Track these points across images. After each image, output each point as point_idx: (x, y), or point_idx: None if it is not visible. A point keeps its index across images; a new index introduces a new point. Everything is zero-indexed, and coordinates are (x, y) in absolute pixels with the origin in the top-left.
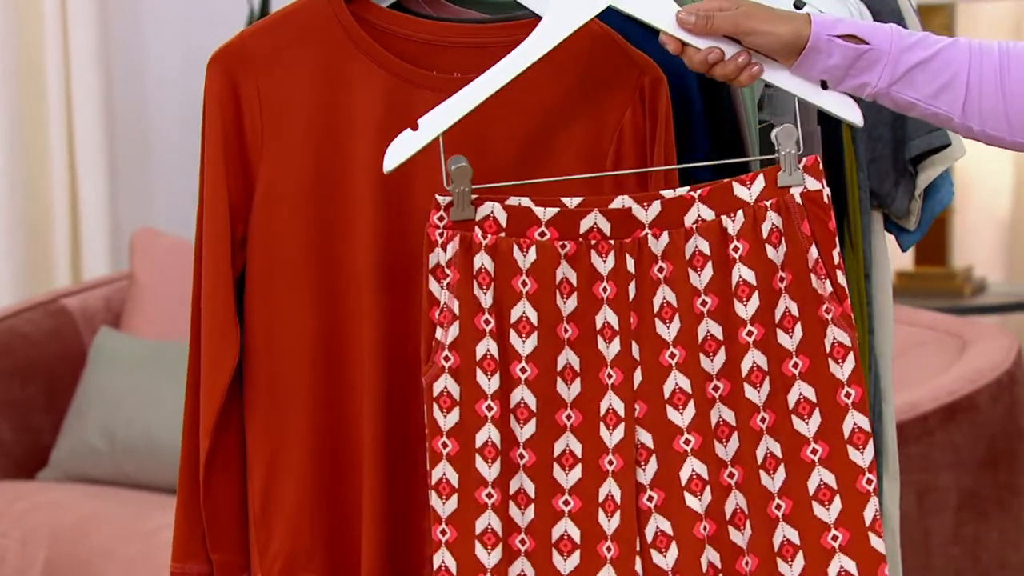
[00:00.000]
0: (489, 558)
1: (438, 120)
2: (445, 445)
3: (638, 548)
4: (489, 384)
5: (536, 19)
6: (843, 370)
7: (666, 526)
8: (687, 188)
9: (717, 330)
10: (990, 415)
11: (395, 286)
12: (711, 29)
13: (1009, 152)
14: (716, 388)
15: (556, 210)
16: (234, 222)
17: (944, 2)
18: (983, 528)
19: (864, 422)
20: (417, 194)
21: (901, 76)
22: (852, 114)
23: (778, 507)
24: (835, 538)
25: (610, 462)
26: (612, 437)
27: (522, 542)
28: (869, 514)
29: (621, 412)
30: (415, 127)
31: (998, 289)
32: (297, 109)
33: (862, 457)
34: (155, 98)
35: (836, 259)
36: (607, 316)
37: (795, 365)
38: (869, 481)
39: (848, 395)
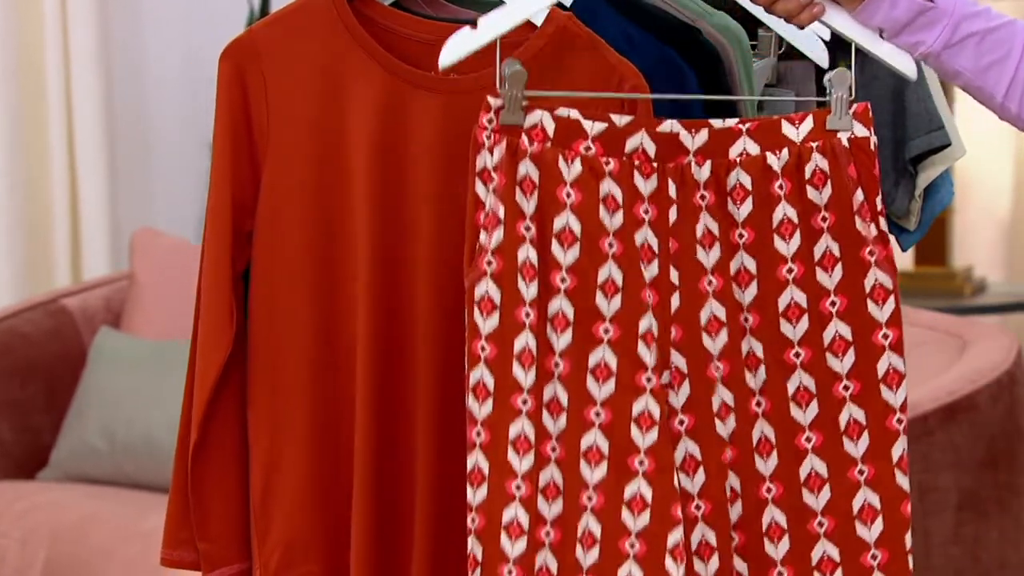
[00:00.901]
0: (521, 463)
1: (498, 22)
2: (483, 348)
3: (675, 465)
4: (528, 290)
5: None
6: (882, 311)
7: (695, 450)
8: (736, 120)
9: (751, 264)
10: (990, 415)
11: (392, 279)
12: (813, 16)
13: (1009, 152)
14: (747, 319)
15: (604, 126)
16: (241, 217)
17: None
18: (983, 528)
19: (900, 363)
20: (415, 190)
21: (957, 42)
22: (907, 66)
23: (807, 440)
24: (861, 472)
25: (648, 379)
26: (651, 356)
27: (552, 449)
28: (897, 452)
29: (655, 333)
30: (473, 32)
31: (998, 289)
32: (301, 103)
33: (895, 396)
34: (155, 98)
35: (879, 205)
36: (647, 237)
37: (832, 304)
38: (900, 420)
39: (886, 336)
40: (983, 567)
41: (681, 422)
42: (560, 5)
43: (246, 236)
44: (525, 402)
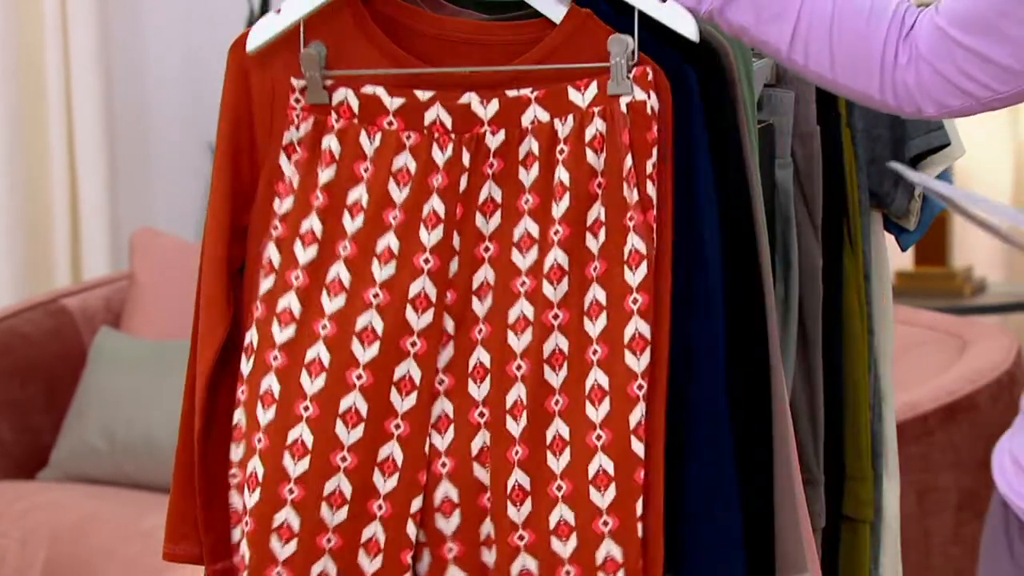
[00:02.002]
0: (264, 415)
1: (299, 6)
2: (257, 308)
3: (427, 429)
4: (304, 255)
5: (541, 18)
6: (635, 276)
7: (449, 409)
8: (529, 88)
9: (534, 228)
10: (990, 415)
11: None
12: None
13: (1009, 151)
14: (523, 284)
15: (403, 100)
16: (240, 211)
17: None
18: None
19: (646, 330)
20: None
21: (763, 21)
22: (688, 28)
23: (556, 403)
24: (599, 437)
25: (413, 344)
26: (420, 320)
27: (305, 409)
28: (634, 418)
29: (433, 297)
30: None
31: (998, 289)
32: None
33: (637, 363)
34: (155, 98)
35: (649, 169)
36: (434, 205)
37: (595, 269)
38: (640, 387)
39: (635, 301)
40: None
41: (441, 382)
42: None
43: (244, 230)
44: (276, 358)
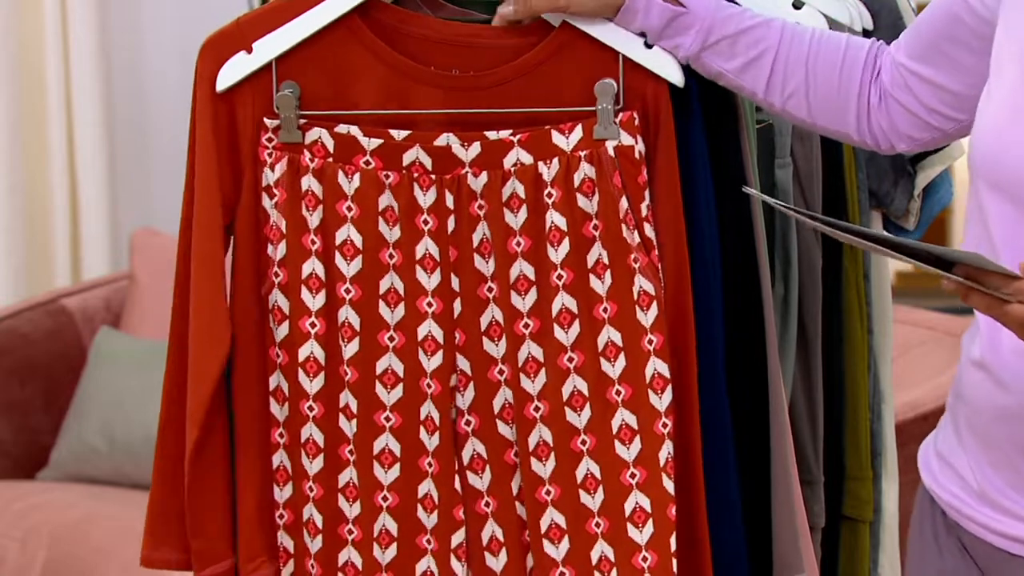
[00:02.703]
0: (312, 465)
1: (272, 44)
2: (278, 355)
3: (456, 467)
4: (314, 301)
5: (538, 20)
6: (647, 317)
7: (481, 449)
8: (509, 131)
9: (530, 270)
10: None
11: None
12: (531, 10)
13: None
14: (527, 325)
15: (380, 141)
16: (225, 215)
17: None
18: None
19: (664, 369)
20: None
21: (711, 45)
22: (672, 71)
23: (583, 442)
24: (633, 476)
25: (428, 385)
26: (431, 362)
27: (351, 452)
28: (663, 456)
29: (440, 339)
30: (249, 51)
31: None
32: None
33: (660, 401)
34: (155, 98)
35: (644, 211)
36: (428, 247)
37: (605, 310)
38: (664, 425)
39: (651, 342)
40: None
41: (468, 423)
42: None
43: (225, 229)
44: (312, 408)
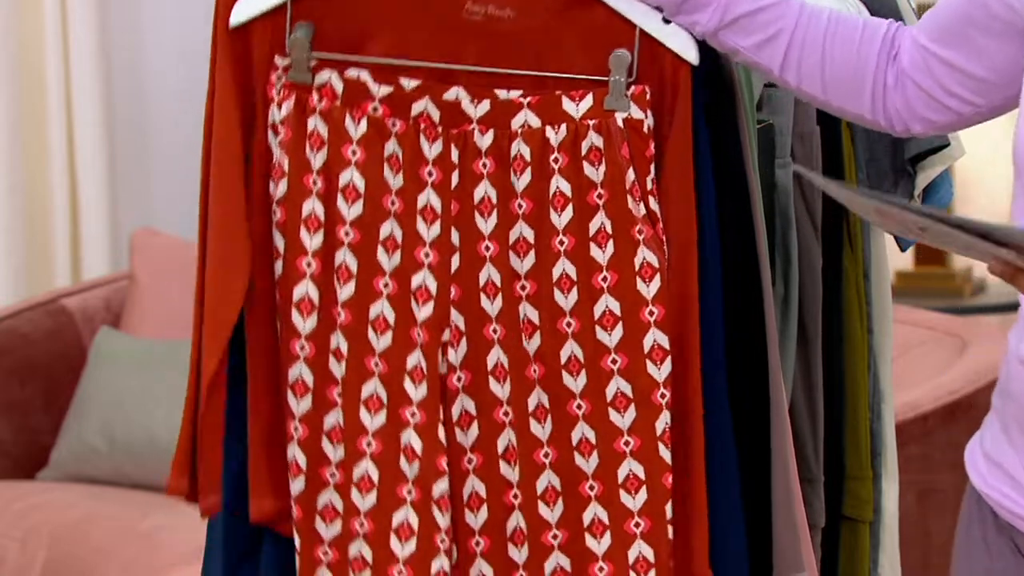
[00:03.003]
0: (299, 405)
1: None
2: (273, 296)
3: (442, 419)
4: (311, 242)
5: None
6: (649, 289)
7: (470, 406)
8: (519, 92)
9: (529, 233)
10: None
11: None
12: None
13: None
14: (523, 287)
15: (390, 89)
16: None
17: None
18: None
19: (664, 340)
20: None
21: (729, 23)
22: (685, 47)
23: (579, 406)
24: (627, 443)
25: (418, 334)
26: (422, 312)
27: (339, 395)
28: (660, 426)
29: (433, 291)
30: None
31: (998, 289)
32: None
33: (659, 372)
34: (155, 98)
35: (650, 185)
36: (430, 198)
37: (604, 279)
38: (663, 395)
39: (651, 312)
40: None
41: (459, 378)
42: None
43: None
44: (303, 347)
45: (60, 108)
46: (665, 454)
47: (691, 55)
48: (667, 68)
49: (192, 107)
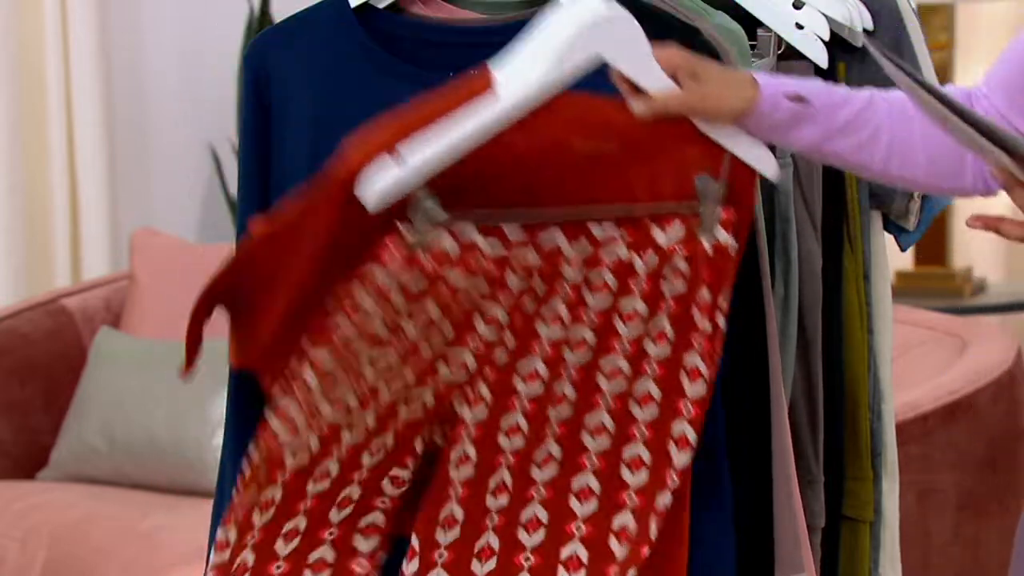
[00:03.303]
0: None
1: (429, 160)
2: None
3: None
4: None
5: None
6: (692, 389)
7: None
8: (612, 223)
9: (590, 337)
10: (990, 415)
11: None
12: (664, 111)
13: None
14: (575, 370)
15: (503, 251)
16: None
17: (944, 2)
18: (983, 528)
19: (691, 435)
20: None
21: (831, 135)
22: (769, 169)
23: (591, 464)
24: (630, 498)
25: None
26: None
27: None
28: (662, 503)
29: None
30: (395, 154)
31: (998, 289)
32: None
33: (677, 456)
34: (155, 98)
35: (724, 305)
36: (495, 310)
37: (651, 368)
38: (673, 480)
39: (687, 408)
40: (983, 567)
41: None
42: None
43: None
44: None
45: (60, 108)
46: (654, 529)
47: (771, 172)
48: (739, 187)
49: (192, 107)
